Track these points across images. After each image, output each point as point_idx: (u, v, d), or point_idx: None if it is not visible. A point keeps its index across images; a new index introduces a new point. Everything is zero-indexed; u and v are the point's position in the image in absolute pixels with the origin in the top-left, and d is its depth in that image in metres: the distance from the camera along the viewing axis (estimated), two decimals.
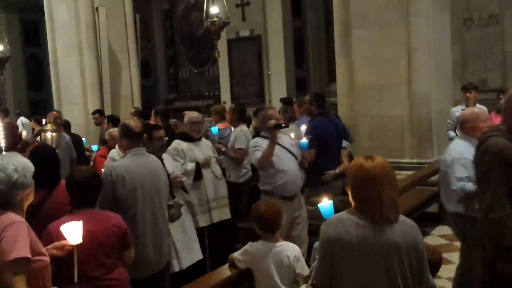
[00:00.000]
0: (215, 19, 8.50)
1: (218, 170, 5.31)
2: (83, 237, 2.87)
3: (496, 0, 10.92)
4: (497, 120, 6.57)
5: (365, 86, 7.18)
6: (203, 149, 5.24)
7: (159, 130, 4.54)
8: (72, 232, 2.82)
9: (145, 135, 4.13)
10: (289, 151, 4.72)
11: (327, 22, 14.05)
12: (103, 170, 3.96)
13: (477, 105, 6.47)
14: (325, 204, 3.07)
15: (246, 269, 3.35)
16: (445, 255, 5.46)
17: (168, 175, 4.08)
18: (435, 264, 2.66)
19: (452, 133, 6.61)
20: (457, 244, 5.96)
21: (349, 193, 2.42)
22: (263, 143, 4.67)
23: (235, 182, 6.01)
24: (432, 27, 6.88)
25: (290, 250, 3.25)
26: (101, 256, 3.07)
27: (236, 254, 3.42)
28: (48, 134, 5.73)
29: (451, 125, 6.73)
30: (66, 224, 2.83)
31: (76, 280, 2.86)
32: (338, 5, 7.44)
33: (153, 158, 3.98)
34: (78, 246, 2.86)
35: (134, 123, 3.93)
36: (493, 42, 11.25)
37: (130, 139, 3.78)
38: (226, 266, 3.55)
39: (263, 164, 4.59)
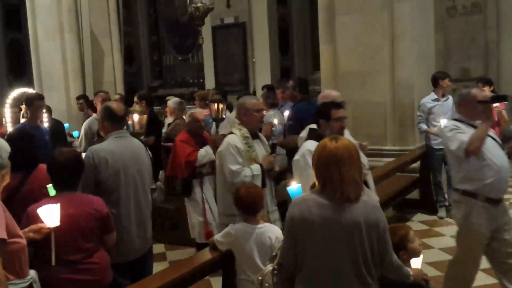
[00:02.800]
0: (199, 4, 8.44)
1: (365, 159, 4.11)
2: (63, 221, 2.85)
3: None
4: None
5: (349, 73, 7.19)
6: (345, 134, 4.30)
7: (338, 109, 3.80)
8: (49, 214, 2.79)
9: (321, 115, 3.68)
10: (495, 140, 3.77)
11: (312, 10, 14.01)
12: (84, 154, 3.91)
13: None
14: (294, 187, 3.11)
15: (227, 251, 3.35)
16: (425, 240, 5.55)
17: (151, 157, 4.01)
18: (396, 244, 2.68)
19: (424, 126, 6.43)
20: (437, 229, 6.07)
21: (313, 173, 2.45)
22: (464, 127, 3.70)
23: None
24: (416, 14, 6.90)
25: (272, 231, 3.26)
26: (80, 240, 3.04)
27: (217, 237, 3.42)
28: (136, 117, 4.87)
29: (422, 117, 6.49)
30: (43, 206, 2.81)
31: (54, 263, 2.84)
32: None
33: (135, 141, 3.93)
34: (57, 229, 2.84)
35: (117, 105, 3.88)
36: (476, 31, 11.33)
37: (113, 121, 3.73)
38: (207, 249, 3.54)
39: (474, 149, 3.55)
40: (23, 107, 5.90)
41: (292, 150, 5.26)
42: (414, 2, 6.89)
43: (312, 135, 3.82)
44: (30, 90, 7.09)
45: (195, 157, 4.98)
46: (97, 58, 10.40)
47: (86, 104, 8.00)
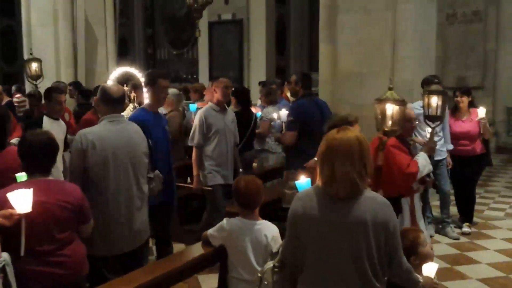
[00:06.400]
0: None
1: None
2: (34, 208, 2.65)
3: None
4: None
5: (348, 73, 7.05)
6: None
7: None
8: (20, 200, 2.59)
9: None
10: None
11: (311, 10, 13.93)
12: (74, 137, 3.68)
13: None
14: (302, 181, 2.95)
15: (220, 246, 3.18)
16: None
17: (150, 145, 3.72)
18: (406, 248, 2.51)
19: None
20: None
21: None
22: None
23: None
24: (420, 16, 6.78)
25: (269, 229, 3.09)
26: (53, 230, 2.81)
27: (210, 231, 3.24)
28: (389, 108, 3.58)
29: None
30: (14, 191, 2.60)
31: (22, 253, 2.64)
32: None
33: (132, 126, 3.65)
34: (28, 217, 2.64)
35: (115, 87, 3.61)
36: (475, 39, 11.27)
37: (106, 104, 3.49)
38: (199, 244, 3.36)
39: None
40: (125, 88, 5.31)
41: (289, 147, 5.12)
42: (418, 4, 6.77)
43: None
44: (132, 70, 6.40)
45: (417, 168, 3.94)
46: (91, 46, 10.19)
47: (76, 90, 7.76)
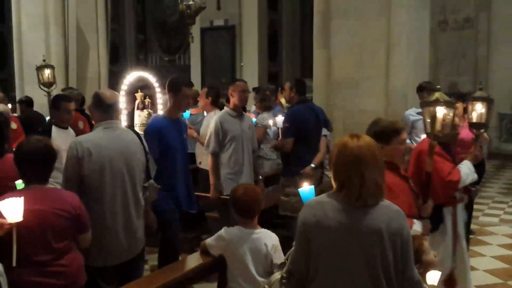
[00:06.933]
0: (191, 2, 8.20)
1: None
2: (32, 217, 2.60)
3: (472, 3, 10.98)
4: None
5: (342, 79, 7.02)
6: None
7: None
8: (11, 209, 2.53)
9: None
10: None
11: (302, 16, 13.98)
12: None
13: None
14: (306, 188, 2.89)
15: (219, 256, 3.11)
16: None
17: (146, 153, 3.63)
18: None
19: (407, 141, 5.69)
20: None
21: (331, 174, 2.25)
22: None
23: (207, 169, 5.73)
24: (413, 22, 6.77)
25: (268, 238, 3.03)
26: (50, 239, 2.73)
27: (209, 240, 3.17)
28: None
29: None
30: (4, 200, 2.54)
31: (14, 263, 2.56)
32: None
33: (127, 133, 3.57)
34: (25, 226, 2.59)
35: (109, 93, 3.53)
36: (466, 46, 11.33)
37: (100, 110, 3.39)
38: (197, 253, 3.29)
39: None
40: (138, 95, 5.14)
41: (285, 154, 5.07)
42: (411, 9, 6.77)
43: None
44: (145, 75, 6.26)
45: (458, 177, 3.80)
46: (82, 52, 10.10)
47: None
